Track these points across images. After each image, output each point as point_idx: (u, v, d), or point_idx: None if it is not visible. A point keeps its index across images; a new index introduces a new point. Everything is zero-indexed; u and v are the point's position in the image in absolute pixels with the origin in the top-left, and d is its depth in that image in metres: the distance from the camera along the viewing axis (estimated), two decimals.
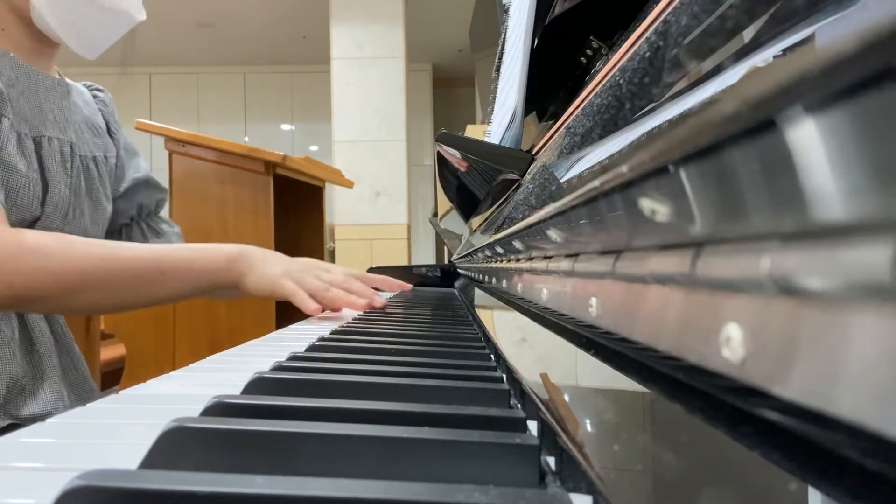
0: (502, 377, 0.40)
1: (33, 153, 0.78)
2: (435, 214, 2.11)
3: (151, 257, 0.75)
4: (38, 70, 0.83)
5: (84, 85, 0.98)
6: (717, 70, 0.13)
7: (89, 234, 0.87)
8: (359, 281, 0.88)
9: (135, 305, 0.80)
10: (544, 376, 0.34)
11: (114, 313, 0.91)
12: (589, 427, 0.26)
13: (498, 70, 0.75)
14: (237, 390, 0.35)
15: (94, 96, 0.99)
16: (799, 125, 0.10)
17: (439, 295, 1.34)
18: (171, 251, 0.78)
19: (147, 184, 1.03)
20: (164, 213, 1.10)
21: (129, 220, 1.01)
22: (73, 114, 0.89)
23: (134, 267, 0.73)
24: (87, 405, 0.36)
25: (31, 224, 0.77)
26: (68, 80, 0.92)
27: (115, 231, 1.01)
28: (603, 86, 0.29)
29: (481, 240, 0.66)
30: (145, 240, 1.02)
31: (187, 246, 0.83)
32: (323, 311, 0.83)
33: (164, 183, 1.12)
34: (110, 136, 0.98)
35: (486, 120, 0.90)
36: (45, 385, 0.79)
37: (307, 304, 0.80)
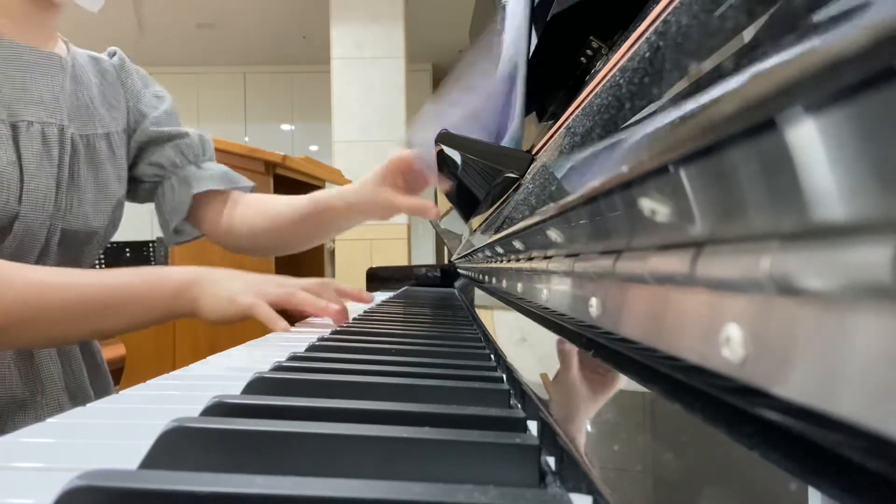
0: (502, 377, 0.40)
1: (10, 140, 0.71)
2: None
3: (94, 289, 0.67)
4: (29, 46, 0.75)
5: (106, 53, 0.91)
6: (716, 70, 0.13)
7: (91, 224, 0.81)
8: (332, 290, 0.80)
9: (80, 339, 0.73)
10: (544, 376, 0.34)
11: (56, 347, 0.82)
12: (589, 427, 0.26)
13: None
14: (237, 390, 0.35)
15: (112, 63, 0.91)
16: (799, 125, 0.10)
17: (439, 295, 1.34)
18: (117, 281, 0.69)
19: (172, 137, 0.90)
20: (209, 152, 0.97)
21: (161, 179, 0.90)
22: (80, 88, 0.81)
23: (76, 299, 0.65)
24: (87, 405, 0.36)
25: (10, 223, 0.70)
26: (78, 51, 0.84)
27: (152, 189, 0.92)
28: (603, 86, 0.29)
29: (481, 240, 0.66)
30: (173, 193, 0.91)
31: (138, 273, 0.73)
32: (293, 322, 0.76)
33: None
34: (126, 100, 0.90)
35: None
36: (44, 399, 0.76)
37: (273, 321, 0.71)
